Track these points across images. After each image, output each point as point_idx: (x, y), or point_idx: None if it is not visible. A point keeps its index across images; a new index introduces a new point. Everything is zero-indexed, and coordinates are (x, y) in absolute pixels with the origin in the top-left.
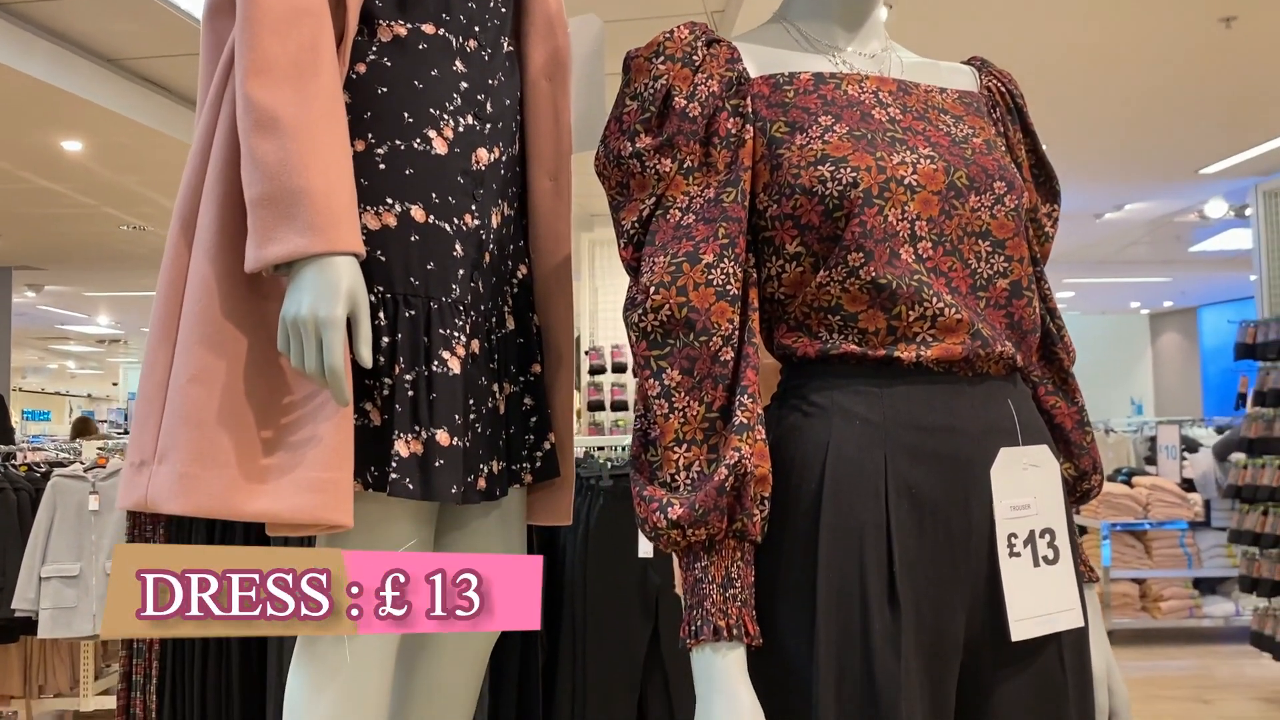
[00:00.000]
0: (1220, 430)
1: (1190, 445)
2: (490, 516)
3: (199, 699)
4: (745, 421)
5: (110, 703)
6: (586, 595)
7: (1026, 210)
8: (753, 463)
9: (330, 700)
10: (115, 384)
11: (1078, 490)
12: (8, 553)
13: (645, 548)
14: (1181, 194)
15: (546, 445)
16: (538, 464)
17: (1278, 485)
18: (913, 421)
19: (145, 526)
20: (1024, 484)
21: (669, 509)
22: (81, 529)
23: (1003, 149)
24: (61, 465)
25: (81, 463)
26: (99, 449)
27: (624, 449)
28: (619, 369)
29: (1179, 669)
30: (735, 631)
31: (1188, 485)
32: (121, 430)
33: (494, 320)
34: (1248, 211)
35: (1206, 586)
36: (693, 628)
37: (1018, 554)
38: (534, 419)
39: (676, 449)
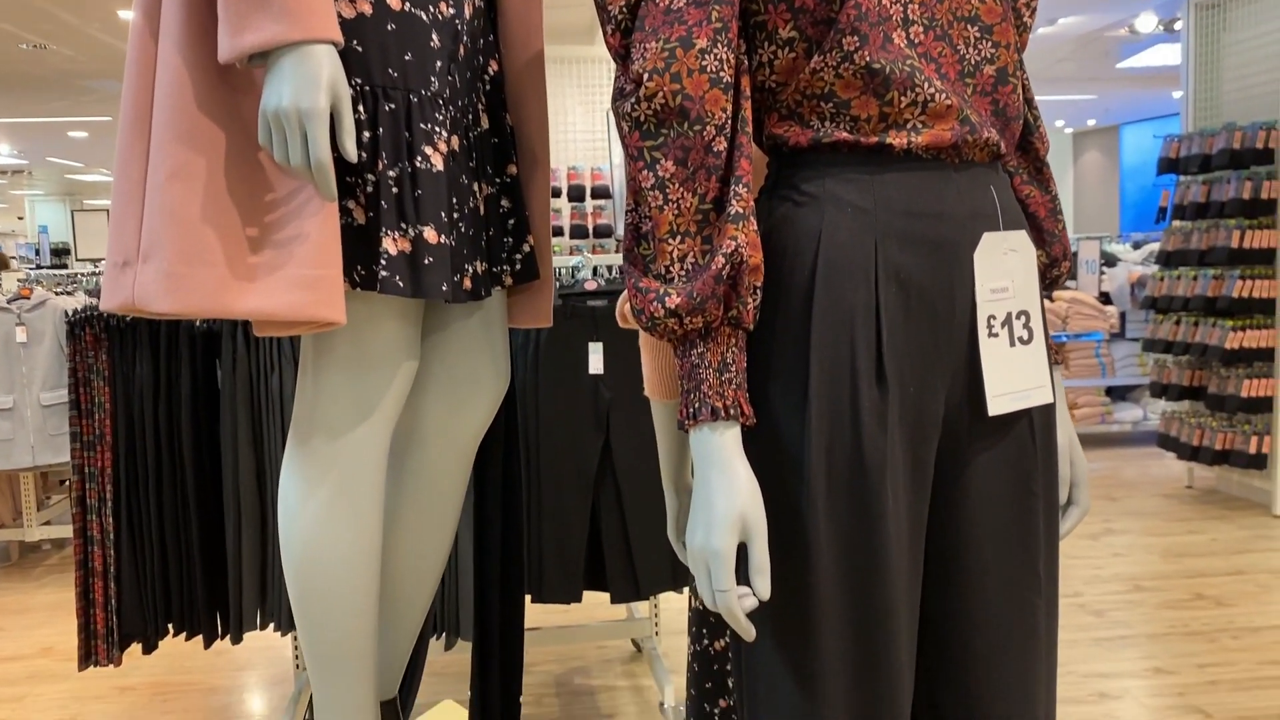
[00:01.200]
0: (1137, 245)
1: (1109, 260)
2: (473, 318)
3: (155, 518)
4: (740, 211)
5: (54, 533)
6: (539, 412)
7: None
8: (747, 252)
9: (324, 497)
10: (21, 218)
11: (1048, 276)
12: None
13: (595, 364)
14: (1113, 8)
15: (525, 248)
16: (517, 266)
17: (1191, 295)
18: (903, 208)
19: (87, 353)
20: (1003, 268)
21: (666, 299)
22: (10, 362)
23: None
24: None
25: (3, 294)
26: (20, 280)
27: (571, 270)
28: (553, 194)
29: (1090, 470)
30: (731, 411)
31: (1105, 298)
32: (35, 265)
33: (470, 117)
34: (1177, 25)
35: (1118, 394)
36: (690, 410)
37: (996, 334)
38: (512, 221)
39: (671, 241)
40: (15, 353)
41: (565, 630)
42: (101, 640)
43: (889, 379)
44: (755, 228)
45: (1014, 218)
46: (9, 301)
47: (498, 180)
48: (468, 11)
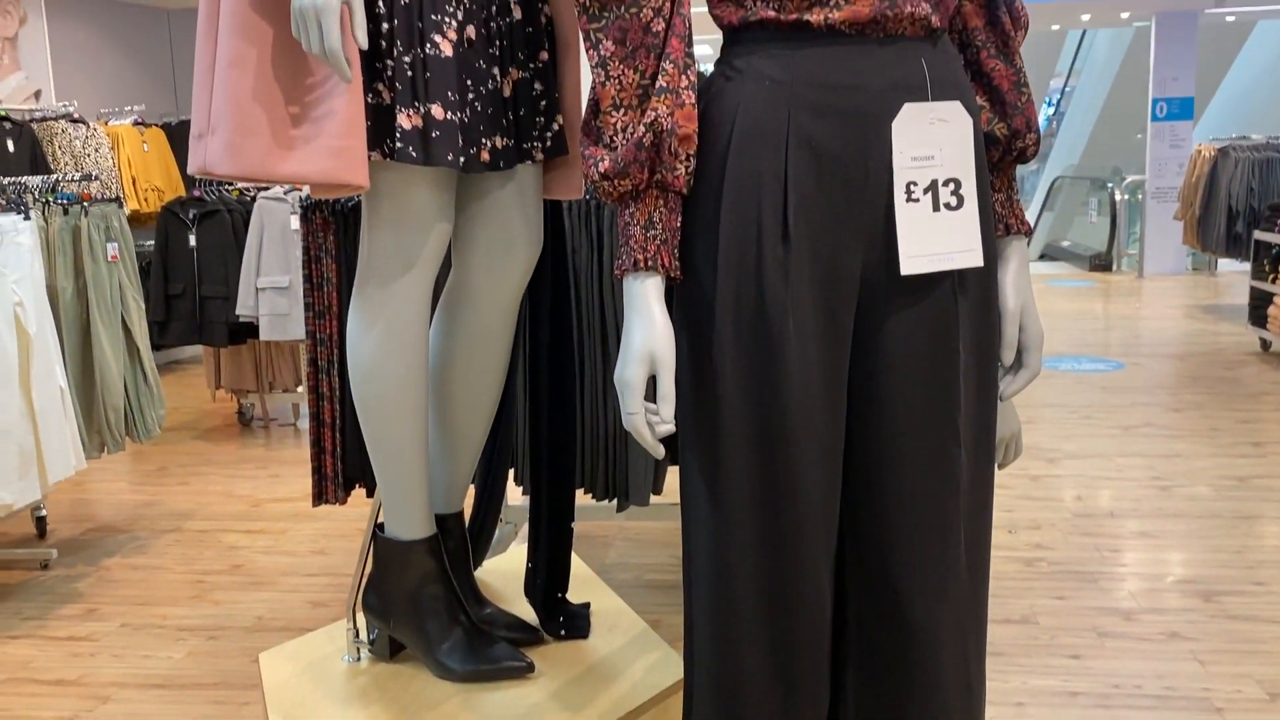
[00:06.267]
0: None
1: None
2: (507, 188)
3: None
4: (665, 85)
5: None
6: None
7: None
8: (671, 121)
9: (377, 336)
10: None
11: (1014, 149)
12: (229, 266)
13: None
14: None
15: (555, 126)
16: (548, 143)
17: None
18: (817, 80)
19: (317, 234)
20: (929, 137)
21: (600, 164)
22: (287, 245)
23: None
24: (264, 189)
25: (281, 186)
26: None
27: None
28: None
29: None
30: (651, 263)
31: None
32: None
33: (493, 8)
34: None
35: None
36: (619, 261)
37: (915, 200)
38: (543, 102)
39: (614, 113)
40: (290, 238)
41: None
42: (330, 482)
43: (795, 238)
44: (690, 100)
45: (949, 89)
46: (285, 193)
47: (530, 65)
48: None
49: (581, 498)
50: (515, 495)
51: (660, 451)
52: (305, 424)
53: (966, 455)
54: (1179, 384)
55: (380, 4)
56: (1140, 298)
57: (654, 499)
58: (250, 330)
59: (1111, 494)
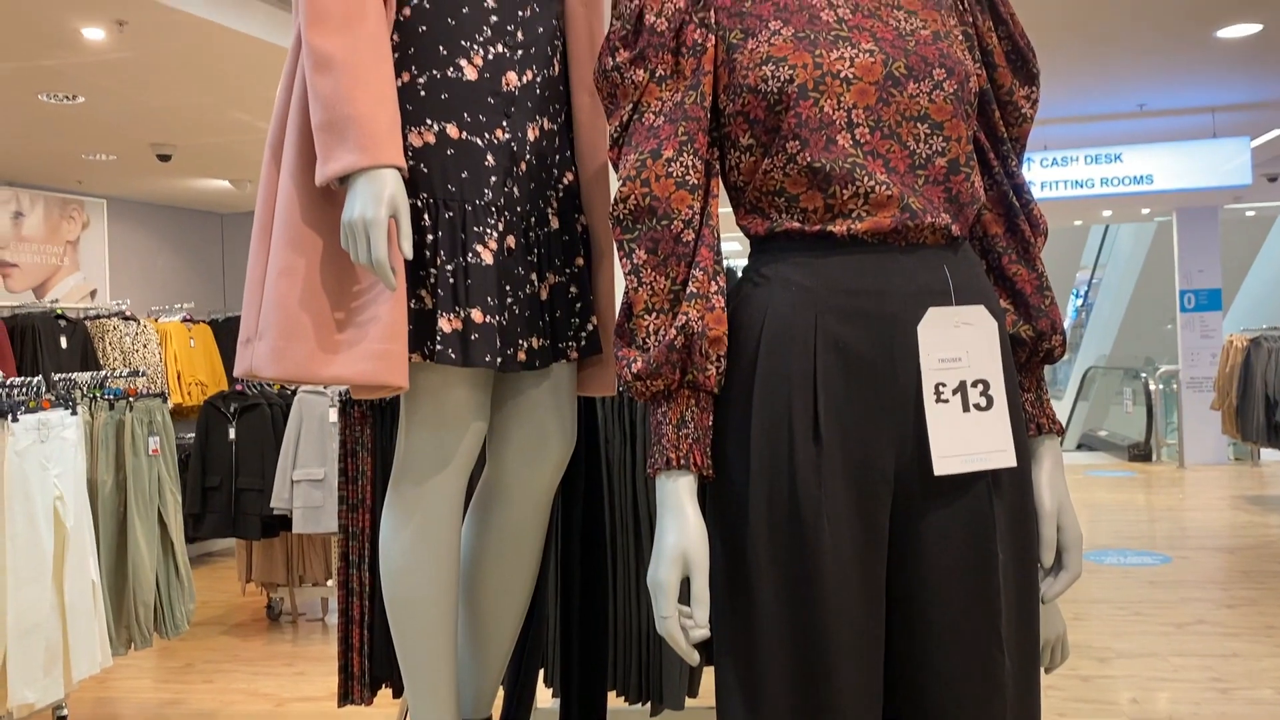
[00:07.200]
0: None
1: None
2: (542, 386)
3: None
4: (695, 291)
5: None
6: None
7: (1004, 92)
8: (702, 324)
9: (409, 537)
10: None
11: (1040, 350)
12: (266, 459)
13: None
14: None
15: (590, 327)
16: (583, 342)
17: None
18: (843, 286)
19: (354, 427)
20: (955, 340)
21: (632, 365)
22: (324, 438)
23: (956, 38)
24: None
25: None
26: None
27: None
28: None
29: None
30: (683, 462)
31: None
32: None
33: (533, 220)
34: None
35: None
36: (652, 459)
37: (945, 400)
38: (579, 305)
39: (646, 317)
40: (328, 430)
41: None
42: (357, 681)
43: (826, 437)
44: (720, 305)
45: (972, 294)
46: (325, 387)
47: (566, 270)
48: (531, 135)
49: (613, 700)
50: (545, 697)
51: (695, 658)
52: (334, 619)
53: (1010, 660)
54: (1230, 579)
55: (426, 217)
56: (1183, 488)
57: (689, 702)
58: (283, 523)
59: (1169, 696)
